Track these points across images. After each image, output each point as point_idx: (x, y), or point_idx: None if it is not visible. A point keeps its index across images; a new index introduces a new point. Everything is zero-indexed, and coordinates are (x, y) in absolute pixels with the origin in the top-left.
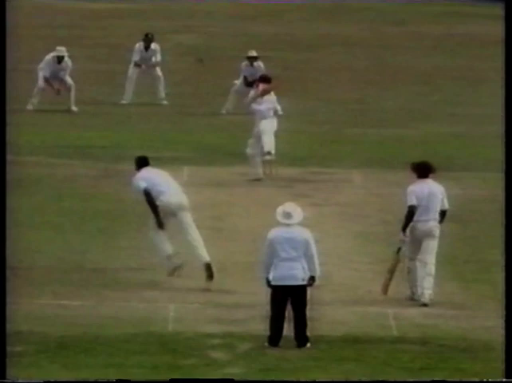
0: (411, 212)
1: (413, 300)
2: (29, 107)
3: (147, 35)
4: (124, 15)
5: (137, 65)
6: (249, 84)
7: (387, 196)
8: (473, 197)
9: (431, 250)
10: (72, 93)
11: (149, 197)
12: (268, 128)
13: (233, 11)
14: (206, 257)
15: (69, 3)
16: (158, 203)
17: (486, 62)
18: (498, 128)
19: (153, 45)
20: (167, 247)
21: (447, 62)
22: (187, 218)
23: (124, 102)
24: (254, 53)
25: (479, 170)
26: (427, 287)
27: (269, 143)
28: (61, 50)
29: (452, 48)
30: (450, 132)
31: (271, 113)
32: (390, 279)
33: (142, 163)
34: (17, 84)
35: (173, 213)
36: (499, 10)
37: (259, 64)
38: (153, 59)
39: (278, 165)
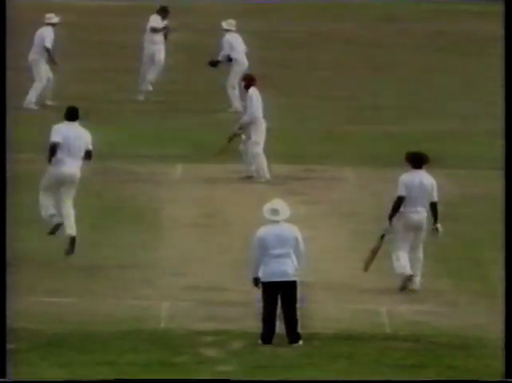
0: (398, 202)
1: (403, 289)
2: (32, 106)
3: (163, 7)
4: (118, 13)
5: (155, 30)
6: (213, 64)
7: (380, 194)
8: (465, 194)
9: (420, 241)
10: (51, 87)
11: (51, 153)
12: (261, 147)
13: (226, 9)
14: (73, 231)
15: (63, 1)
16: (52, 168)
17: (477, 59)
18: (491, 124)
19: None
20: (52, 208)
21: (439, 59)
22: (70, 192)
23: (141, 98)
24: (223, 25)
25: (472, 167)
26: (416, 274)
27: (265, 167)
28: (52, 17)
29: (444, 45)
30: (443, 129)
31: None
32: (372, 259)
33: (70, 115)
34: (10, 82)
35: (60, 183)
36: (491, 8)
37: (227, 38)
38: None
39: (272, 162)
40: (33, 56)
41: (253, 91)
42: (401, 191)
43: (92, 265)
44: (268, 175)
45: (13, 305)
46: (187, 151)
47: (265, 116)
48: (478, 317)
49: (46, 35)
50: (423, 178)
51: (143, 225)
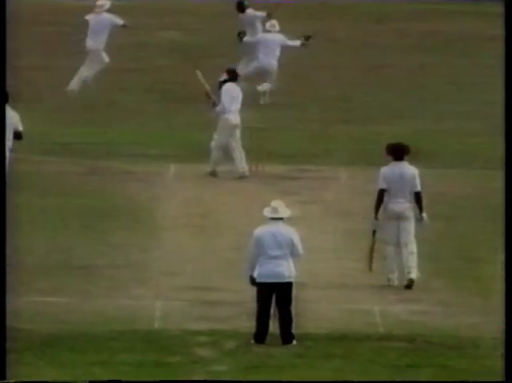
0: (380, 195)
1: (390, 286)
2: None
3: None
4: (112, 12)
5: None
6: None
7: (373, 193)
8: (458, 194)
9: (408, 231)
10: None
11: None
12: (222, 142)
13: (218, 9)
14: None
15: (63, 1)
16: None
17: (469, 59)
18: (483, 124)
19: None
20: None
21: (431, 60)
22: None
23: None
24: (266, 27)
25: (464, 167)
26: (412, 265)
27: (216, 161)
28: (105, 4)
29: (435, 45)
30: (435, 128)
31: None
32: (371, 258)
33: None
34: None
35: None
36: (483, 8)
37: (259, 36)
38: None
39: (265, 162)
40: (97, 45)
41: (230, 85)
42: (381, 184)
43: (85, 264)
44: (211, 169)
45: (6, 305)
46: (180, 150)
47: (256, 116)
48: (472, 316)
49: (111, 19)
50: (404, 169)
51: (136, 225)
